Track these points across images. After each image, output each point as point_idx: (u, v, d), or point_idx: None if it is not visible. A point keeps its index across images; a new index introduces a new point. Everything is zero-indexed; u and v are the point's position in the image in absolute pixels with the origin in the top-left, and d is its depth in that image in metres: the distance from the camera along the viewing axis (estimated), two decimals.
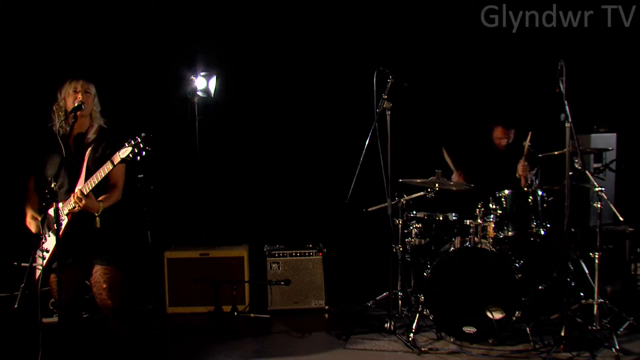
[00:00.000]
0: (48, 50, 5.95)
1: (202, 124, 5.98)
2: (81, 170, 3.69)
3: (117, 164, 3.55)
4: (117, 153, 3.51)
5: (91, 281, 3.82)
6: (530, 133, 5.13)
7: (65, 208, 3.66)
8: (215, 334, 4.95)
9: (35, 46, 5.95)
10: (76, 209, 3.60)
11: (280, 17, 6.44)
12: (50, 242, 3.71)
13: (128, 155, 3.48)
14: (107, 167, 3.57)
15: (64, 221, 3.66)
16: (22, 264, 4.55)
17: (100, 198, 3.72)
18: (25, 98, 5.68)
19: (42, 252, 3.64)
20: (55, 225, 3.54)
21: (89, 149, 3.76)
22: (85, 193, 3.58)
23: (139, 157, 3.48)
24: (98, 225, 3.71)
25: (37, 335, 3.54)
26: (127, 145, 3.49)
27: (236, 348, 4.63)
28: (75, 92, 3.75)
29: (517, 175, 5.25)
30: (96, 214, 3.69)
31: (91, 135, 3.82)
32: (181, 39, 6.26)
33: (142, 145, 3.47)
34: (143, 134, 3.48)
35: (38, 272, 3.71)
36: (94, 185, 3.62)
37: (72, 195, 3.60)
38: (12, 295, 5.32)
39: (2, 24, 5.85)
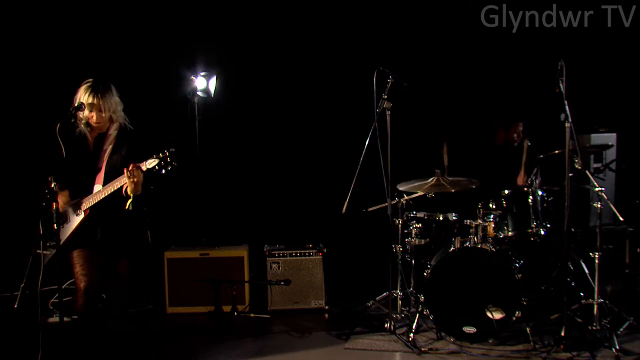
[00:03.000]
0: (47, 48, 5.96)
1: (202, 124, 5.98)
2: (101, 169, 3.85)
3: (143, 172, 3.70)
4: (145, 163, 3.67)
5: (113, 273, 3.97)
6: None
7: (86, 203, 3.83)
8: (215, 334, 4.95)
9: (34, 45, 5.97)
10: (131, 180, 3.67)
11: (281, 17, 6.43)
12: (66, 229, 3.84)
13: (154, 167, 3.66)
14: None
15: (80, 216, 3.83)
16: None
17: None
18: (31, 98, 5.73)
19: (54, 241, 3.69)
20: (55, 225, 3.57)
21: (109, 148, 3.90)
22: (144, 169, 3.68)
23: (164, 171, 3.66)
24: (130, 207, 3.82)
25: (37, 335, 3.55)
26: (154, 157, 3.66)
27: (236, 348, 4.64)
28: (90, 112, 3.85)
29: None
30: (132, 195, 3.77)
31: (112, 132, 3.95)
32: (181, 39, 6.26)
33: (169, 160, 3.65)
34: (172, 149, 3.65)
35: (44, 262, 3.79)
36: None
37: (131, 167, 3.66)
38: (12, 295, 5.33)
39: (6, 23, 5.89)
